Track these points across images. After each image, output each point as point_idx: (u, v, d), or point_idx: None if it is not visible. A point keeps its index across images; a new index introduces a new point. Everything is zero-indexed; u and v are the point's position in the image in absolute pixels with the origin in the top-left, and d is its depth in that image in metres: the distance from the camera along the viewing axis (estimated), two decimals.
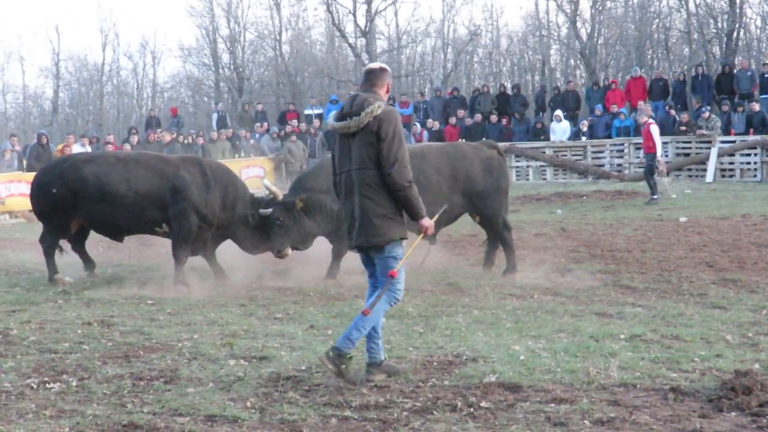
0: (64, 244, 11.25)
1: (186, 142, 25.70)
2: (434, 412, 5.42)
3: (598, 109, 26.11)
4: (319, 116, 28.91)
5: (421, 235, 6.37)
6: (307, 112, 30.11)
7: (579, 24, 35.18)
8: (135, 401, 5.79)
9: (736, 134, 23.51)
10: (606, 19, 36.51)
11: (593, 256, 12.01)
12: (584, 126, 25.56)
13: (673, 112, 24.88)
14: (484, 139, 19.14)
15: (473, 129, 26.23)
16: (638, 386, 5.84)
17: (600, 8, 35.78)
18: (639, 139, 24.27)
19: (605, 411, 5.32)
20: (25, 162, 21.81)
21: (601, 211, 18.17)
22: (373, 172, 6.13)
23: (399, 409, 5.48)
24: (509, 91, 29.13)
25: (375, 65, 6.54)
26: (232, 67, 39.70)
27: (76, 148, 21.84)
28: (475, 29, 39.17)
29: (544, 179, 25.36)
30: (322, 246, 11.19)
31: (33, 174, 12.74)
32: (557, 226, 15.57)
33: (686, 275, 10.29)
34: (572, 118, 26.86)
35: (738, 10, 31.59)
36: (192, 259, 11.02)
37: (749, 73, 25.58)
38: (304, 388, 6.02)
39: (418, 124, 27.33)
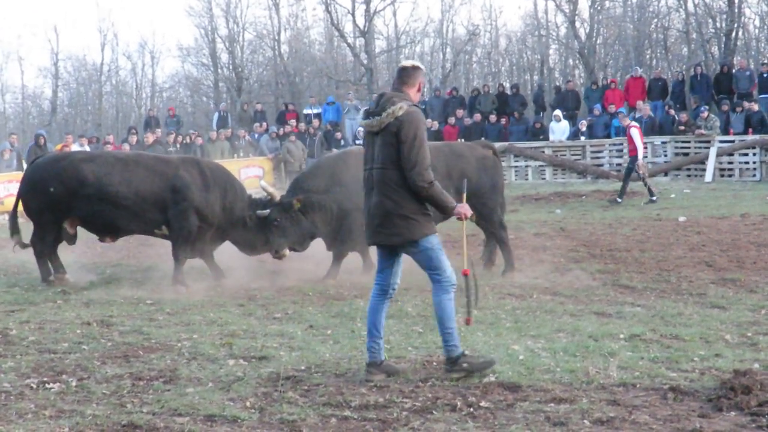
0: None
1: (185, 142, 25.66)
2: (434, 411, 5.42)
3: (597, 109, 26.11)
4: (318, 116, 28.91)
5: (464, 222, 6.38)
6: (306, 111, 30.11)
7: (578, 24, 35.18)
8: (134, 401, 5.78)
9: (734, 134, 23.50)
10: (605, 18, 36.51)
11: (592, 255, 12.01)
12: (583, 126, 25.55)
13: (672, 111, 24.88)
14: (482, 138, 19.15)
15: (472, 129, 26.23)
16: (637, 386, 5.84)
17: (599, 8, 35.77)
18: None
19: (605, 410, 5.32)
20: (24, 162, 21.77)
21: (600, 211, 18.18)
22: (394, 173, 6.14)
23: (398, 409, 5.48)
24: (508, 91, 29.15)
25: (408, 63, 6.52)
26: (230, 67, 39.66)
27: (75, 149, 21.79)
28: (473, 29, 39.18)
29: (543, 179, 25.36)
30: (322, 246, 11.20)
31: None
32: (556, 226, 15.58)
33: (685, 275, 10.30)
34: (572, 117, 26.86)
35: (736, 10, 31.59)
36: (190, 259, 11.01)
37: (748, 73, 25.58)
38: (304, 388, 6.01)
39: None
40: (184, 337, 7.73)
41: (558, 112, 26.30)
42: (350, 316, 8.53)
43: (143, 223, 10.78)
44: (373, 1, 35.99)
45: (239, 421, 5.35)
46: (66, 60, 43.11)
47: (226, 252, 11.41)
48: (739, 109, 23.85)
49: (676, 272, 10.49)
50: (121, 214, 10.62)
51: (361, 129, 26.07)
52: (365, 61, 35.59)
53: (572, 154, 25.38)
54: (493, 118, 27.01)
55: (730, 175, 23.11)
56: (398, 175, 6.12)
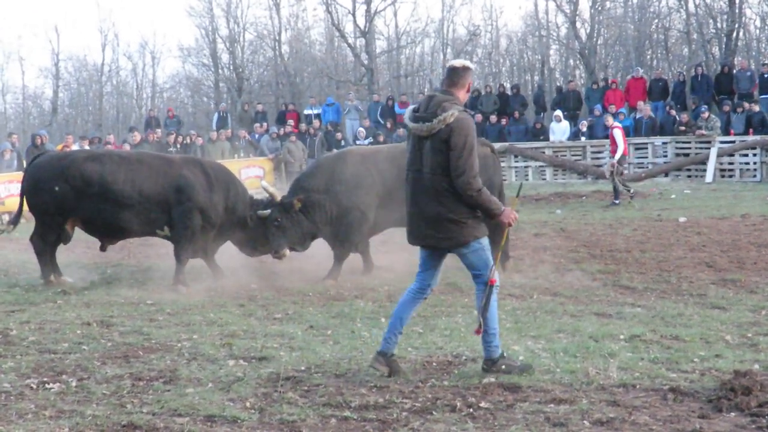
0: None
1: (185, 142, 25.64)
2: (434, 412, 5.42)
3: (597, 110, 26.10)
4: (318, 116, 28.92)
5: (508, 228, 6.42)
6: (307, 112, 30.12)
7: (578, 24, 35.21)
8: (134, 401, 5.79)
9: (735, 134, 23.52)
10: (605, 19, 36.52)
11: (593, 256, 12.01)
12: (583, 126, 25.55)
13: (673, 112, 24.88)
14: (483, 138, 19.11)
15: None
16: (638, 386, 5.84)
17: (599, 8, 35.79)
18: (639, 140, 24.46)
19: (605, 411, 5.33)
20: (24, 162, 21.77)
21: (601, 212, 18.17)
22: (444, 179, 6.13)
23: (398, 410, 5.48)
24: (509, 92, 29.15)
25: (458, 63, 6.45)
26: (231, 68, 39.66)
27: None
28: (474, 29, 39.20)
29: (544, 179, 25.37)
30: (322, 247, 11.20)
31: None
32: (557, 227, 15.57)
33: (686, 275, 10.30)
34: (573, 118, 26.86)
35: (737, 11, 31.60)
36: (192, 259, 11.00)
37: (749, 74, 25.59)
38: (304, 389, 6.02)
39: None
40: (184, 337, 7.73)
41: (559, 113, 26.30)
42: (350, 316, 8.53)
43: (146, 224, 10.73)
44: (374, 1, 36.03)
45: (239, 421, 5.36)
46: (67, 60, 43.17)
47: (227, 252, 11.41)
48: (739, 109, 23.87)
49: (676, 273, 10.48)
50: (125, 213, 10.57)
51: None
52: (366, 62, 35.60)
53: (573, 155, 25.40)
54: (493, 118, 27.02)
55: (730, 176, 23.12)
56: (448, 181, 6.12)
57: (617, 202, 19.07)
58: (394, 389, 5.92)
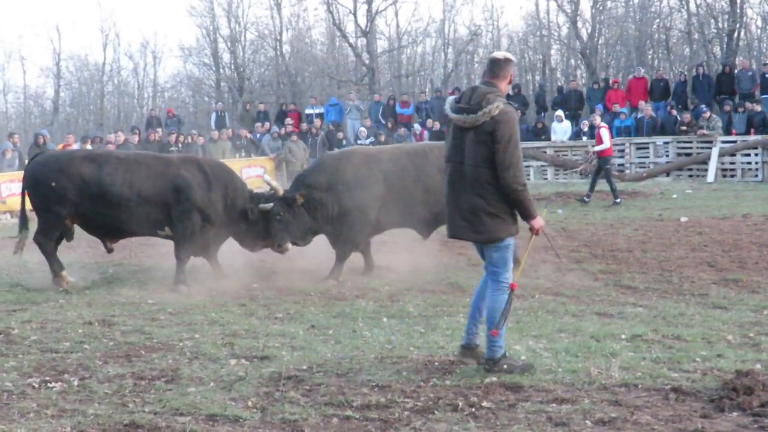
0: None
1: (186, 141, 25.63)
2: (435, 411, 5.43)
3: (599, 109, 26.07)
4: (320, 116, 28.91)
5: (534, 236, 6.41)
6: (308, 111, 30.11)
7: (579, 24, 35.18)
8: (136, 401, 5.79)
9: (737, 134, 23.52)
10: (606, 19, 36.49)
11: (594, 256, 12.00)
12: (585, 126, 25.51)
13: (674, 112, 24.87)
14: None
15: None
16: (639, 386, 5.84)
17: (600, 8, 35.75)
18: (640, 139, 24.45)
19: (606, 411, 5.33)
20: (26, 162, 21.76)
21: (602, 211, 18.16)
22: (486, 171, 6.12)
23: (400, 409, 5.48)
24: (510, 91, 29.10)
25: (500, 55, 6.46)
26: (232, 67, 39.65)
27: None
28: (475, 29, 39.20)
29: (545, 179, 25.36)
30: (323, 246, 11.19)
31: None
32: (558, 226, 15.55)
33: (687, 275, 10.29)
34: (574, 117, 26.85)
35: (738, 10, 31.57)
36: (192, 258, 11.00)
37: (750, 73, 25.58)
38: (306, 388, 6.02)
39: (417, 125, 27.36)
40: (186, 336, 7.74)
41: (560, 113, 26.28)
42: (352, 316, 8.52)
43: (146, 224, 10.74)
44: (375, 1, 36.04)
45: (241, 420, 5.36)
46: (68, 60, 43.18)
47: (228, 252, 11.41)
48: (741, 109, 23.86)
49: (678, 273, 10.48)
50: (123, 214, 10.58)
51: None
52: (367, 61, 35.60)
53: (574, 155, 25.38)
54: None
55: (732, 176, 23.11)
56: (491, 174, 6.11)
57: (618, 201, 19.07)
58: (395, 389, 5.92)
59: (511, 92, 28.52)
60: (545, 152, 25.65)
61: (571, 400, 5.55)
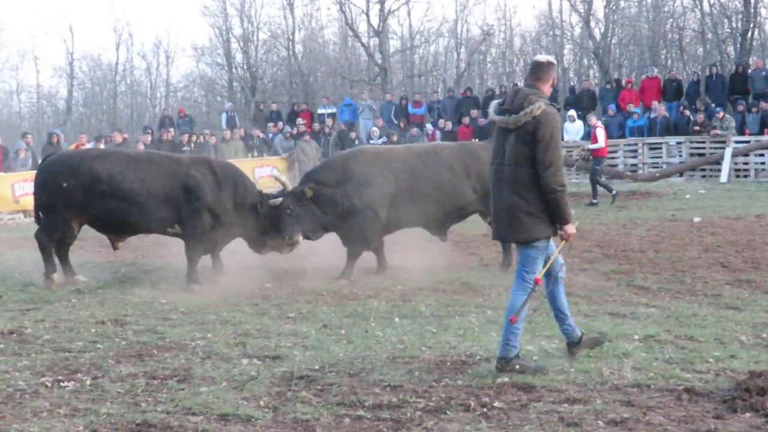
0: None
1: (199, 141, 25.66)
2: (447, 411, 5.42)
3: (612, 109, 26.02)
4: (332, 116, 28.92)
5: (564, 242, 6.41)
6: (320, 111, 30.13)
7: (592, 24, 35.14)
8: (148, 400, 5.81)
9: (750, 134, 23.43)
10: (619, 18, 36.41)
11: (606, 256, 11.96)
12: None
13: (687, 112, 24.79)
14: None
15: (487, 129, 26.17)
16: (652, 387, 5.83)
17: (614, 8, 35.70)
18: (653, 139, 24.37)
19: (619, 411, 5.32)
20: (39, 161, 21.82)
21: (615, 211, 18.10)
22: (526, 171, 6.17)
23: (412, 409, 5.48)
24: None
25: (542, 58, 6.52)
26: (245, 67, 39.73)
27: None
28: (488, 29, 39.14)
29: None
30: (335, 246, 11.20)
31: None
32: None
33: (700, 276, 10.25)
34: (587, 117, 26.75)
35: (752, 10, 31.45)
36: (203, 257, 11.03)
37: (764, 73, 25.41)
38: (318, 388, 6.02)
39: (429, 125, 27.35)
40: (198, 336, 7.75)
41: (572, 112, 26.20)
42: (364, 315, 8.53)
43: (155, 222, 10.78)
44: (388, 0, 36.04)
45: (253, 420, 5.37)
46: (81, 60, 43.40)
47: (240, 252, 11.43)
48: (754, 109, 23.77)
49: (690, 273, 10.44)
50: (134, 208, 10.61)
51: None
52: (379, 61, 35.60)
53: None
54: None
55: (745, 176, 23.02)
56: (530, 174, 6.16)
57: (595, 201, 19.19)
58: (407, 389, 5.92)
59: None
60: None
61: (584, 401, 5.54)
